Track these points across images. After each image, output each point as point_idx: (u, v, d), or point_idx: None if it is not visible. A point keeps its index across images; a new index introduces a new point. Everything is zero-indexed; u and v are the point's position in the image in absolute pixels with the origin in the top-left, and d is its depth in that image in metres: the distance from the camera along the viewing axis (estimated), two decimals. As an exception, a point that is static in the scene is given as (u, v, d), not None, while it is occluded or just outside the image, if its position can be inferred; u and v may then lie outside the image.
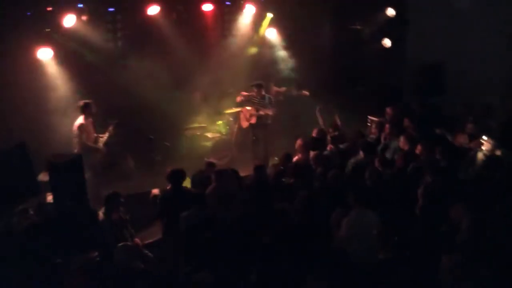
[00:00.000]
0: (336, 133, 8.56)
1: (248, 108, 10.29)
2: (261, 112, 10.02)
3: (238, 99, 10.24)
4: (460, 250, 4.54)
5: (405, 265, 4.70)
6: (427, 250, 5.13)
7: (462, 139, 7.43)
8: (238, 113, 10.80)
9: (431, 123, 8.18)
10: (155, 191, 7.25)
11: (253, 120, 10.21)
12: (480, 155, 6.83)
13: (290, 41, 11.27)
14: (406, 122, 8.24)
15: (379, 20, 11.07)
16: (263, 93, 10.07)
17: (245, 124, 10.57)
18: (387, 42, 10.98)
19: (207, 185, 6.62)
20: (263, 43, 11.38)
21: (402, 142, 7.47)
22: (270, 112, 9.97)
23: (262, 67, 11.39)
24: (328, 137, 8.32)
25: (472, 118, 7.97)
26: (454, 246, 4.74)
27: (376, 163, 6.80)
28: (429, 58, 10.08)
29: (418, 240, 5.42)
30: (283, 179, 6.85)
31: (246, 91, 10.20)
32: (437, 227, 5.31)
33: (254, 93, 10.05)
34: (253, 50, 11.35)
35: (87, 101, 8.39)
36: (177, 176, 6.56)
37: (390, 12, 10.82)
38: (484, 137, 6.89)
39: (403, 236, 5.31)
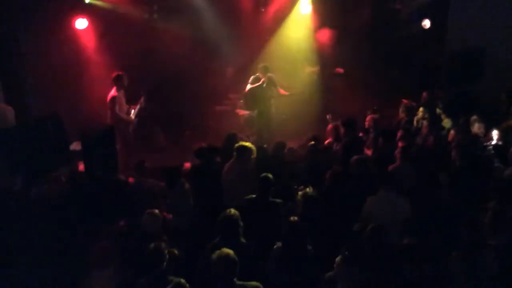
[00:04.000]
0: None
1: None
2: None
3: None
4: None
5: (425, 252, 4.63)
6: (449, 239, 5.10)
7: (476, 129, 7.18)
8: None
9: (465, 110, 7.95)
10: (187, 165, 7.35)
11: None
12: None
13: (327, 19, 11.05)
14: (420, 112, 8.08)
15: (419, 0, 10.72)
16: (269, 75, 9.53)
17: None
18: (426, 23, 10.64)
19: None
20: (298, 20, 11.19)
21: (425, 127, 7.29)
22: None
23: (295, 45, 11.24)
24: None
25: None
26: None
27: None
28: (470, 41, 9.72)
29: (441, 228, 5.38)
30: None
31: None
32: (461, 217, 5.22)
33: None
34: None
35: (119, 73, 8.47)
36: (210, 151, 6.65)
37: (431, -8, 10.47)
38: (495, 131, 6.73)
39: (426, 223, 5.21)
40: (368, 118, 7.92)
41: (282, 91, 9.81)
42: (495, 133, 6.74)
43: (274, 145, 7.10)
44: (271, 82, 9.54)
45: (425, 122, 7.77)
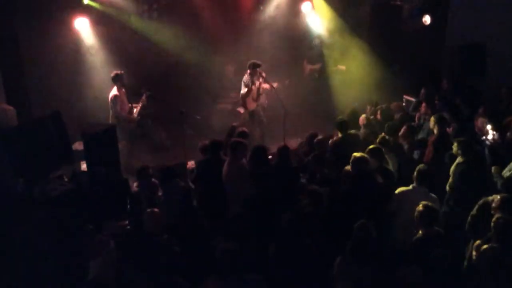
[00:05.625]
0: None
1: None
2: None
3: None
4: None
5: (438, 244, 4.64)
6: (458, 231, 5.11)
7: (479, 123, 7.13)
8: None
9: (467, 105, 7.94)
10: (191, 163, 7.33)
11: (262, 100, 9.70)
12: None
13: (328, 16, 11.03)
14: (438, 104, 8.06)
15: (420, -4, 10.71)
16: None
17: (252, 105, 9.69)
18: (427, 19, 10.61)
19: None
20: (298, 17, 11.18)
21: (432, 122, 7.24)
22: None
23: (295, 42, 11.22)
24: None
25: None
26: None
27: None
28: (470, 37, 9.69)
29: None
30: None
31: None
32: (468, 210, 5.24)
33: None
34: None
35: (118, 72, 8.47)
36: (216, 146, 6.67)
37: (432, -12, 10.43)
38: (489, 126, 6.67)
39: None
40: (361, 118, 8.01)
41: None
42: (489, 127, 6.69)
43: (278, 150, 6.78)
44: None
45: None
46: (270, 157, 6.96)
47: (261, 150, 6.52)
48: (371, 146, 6.21)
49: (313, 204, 5.26)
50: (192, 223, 5.73)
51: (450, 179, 5.99)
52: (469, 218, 5.09)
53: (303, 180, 6.28)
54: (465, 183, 5.79)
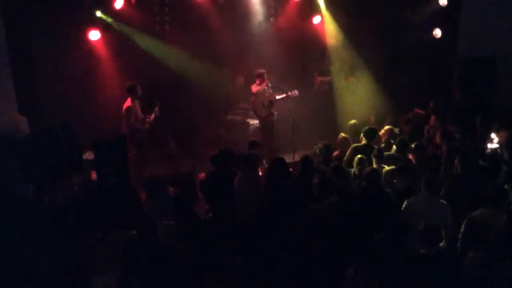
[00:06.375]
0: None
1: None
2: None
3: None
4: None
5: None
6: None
7: (499, 136, 7.06)
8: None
9: (476, 117, 7.90)
10: (202, 175, 7.37)
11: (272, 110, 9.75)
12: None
13: (337, 28, 11.07)
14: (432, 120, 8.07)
15: (430, 9, 10.71)
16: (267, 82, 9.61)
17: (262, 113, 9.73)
18: (438, 33, 10.61)
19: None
20: (308, 29, 11.22)
21: (437, 137, 7.21)
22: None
23: (305, 54, 11.26)
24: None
25: None
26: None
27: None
28: (481, 50, 9.69)
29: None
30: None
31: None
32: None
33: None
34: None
35: (133, 83, 8.55)
36: (225, 156, 6.66)
37: (442, 1, 10.43)
38: (493, 135, 6.63)
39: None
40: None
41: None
42: (493, 135, 6.65)
43: (301, 160, 6.72)
44: (273, 88, 9.59)
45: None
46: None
47: (282, 163, 6.45)
48: (400, 165, 6.18)
49: (331, 213, 5.23)
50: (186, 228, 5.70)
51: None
52: (460, 235, 5.04)
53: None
54: (452, 195, 5.77)
